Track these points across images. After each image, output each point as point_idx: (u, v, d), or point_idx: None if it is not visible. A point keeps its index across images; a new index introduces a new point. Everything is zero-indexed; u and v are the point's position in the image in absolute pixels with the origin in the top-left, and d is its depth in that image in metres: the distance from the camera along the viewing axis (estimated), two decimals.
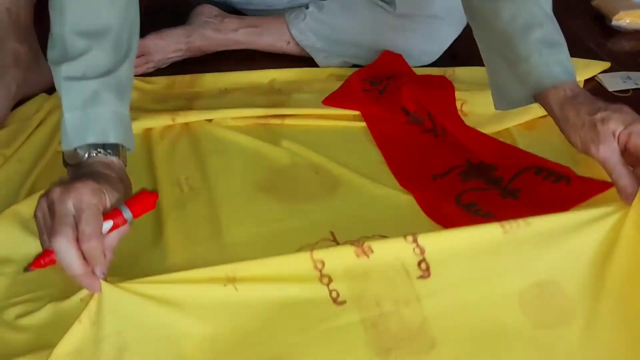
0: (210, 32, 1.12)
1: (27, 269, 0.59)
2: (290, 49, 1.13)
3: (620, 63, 1.12)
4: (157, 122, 0.93)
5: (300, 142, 0.90)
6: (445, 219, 0.75)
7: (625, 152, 0.66)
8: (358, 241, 0.61)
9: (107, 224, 0.59)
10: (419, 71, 1.06)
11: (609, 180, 0.67)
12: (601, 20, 1.25)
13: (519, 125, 0.93)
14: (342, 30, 1.08)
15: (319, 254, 0.60)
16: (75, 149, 0.65)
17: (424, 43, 1.08)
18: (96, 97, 0.65)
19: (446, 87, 0.99)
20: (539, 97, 0.75)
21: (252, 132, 0.92)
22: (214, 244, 0.73)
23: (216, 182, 0.83)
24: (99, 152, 0.65)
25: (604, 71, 1.07)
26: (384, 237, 0.67)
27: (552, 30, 0.76)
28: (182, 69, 1.12)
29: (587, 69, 1.06)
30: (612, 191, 0.67)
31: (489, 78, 0.83)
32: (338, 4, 1.09)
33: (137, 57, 0.92)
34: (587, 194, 0.72)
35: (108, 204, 0.59)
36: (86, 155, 0.65)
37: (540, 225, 0.62)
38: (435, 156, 0.87)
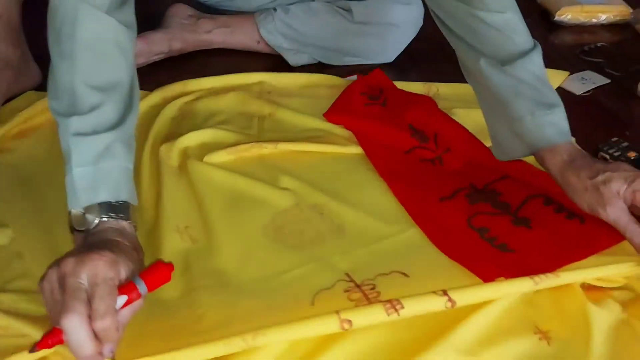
0: (188, 34, 1.18)
1: (33, 349, 0.54)
2: (261, 47, 1.20)
3: (562, 55, 1.24)
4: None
5: (299, 177, 0.88)
6: (459, 250, 0.75)
7: (633, 208, 0.69)
8: (389, 300, 0.63)
9: (121, 299, 0.54)
10: (402, 86, 1.10)
11: None
12: (546, 16, 1.36)
13: None
14: (306, 33, 1.16)
15: (346, 314, 0.62)
16: (84, 214, 0.60)
17: (379, 46, 1.17)
18: (108, 151, 0.62)
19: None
20: (536, 157, 0.78)
21: (248, 169, 0.90)
22: (222, 299, 0.70)
23: (218, 232, 0.80)
24: (111, 216, 0.60)
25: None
26: (403, 274, 0.71)
27: (545, 92, 0.78)
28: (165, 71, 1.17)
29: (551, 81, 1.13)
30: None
31: (488, 128, 0.85)
32: (302, 8, 1.16)
33: None
34: (603, 241, 0.72)
35: (123, 277, 0.55)
36: (96, 220, 0.60)
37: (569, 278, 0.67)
38: (439, 180, 0.87)
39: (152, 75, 1.11)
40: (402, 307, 0.64)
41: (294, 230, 0.81)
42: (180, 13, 1.20)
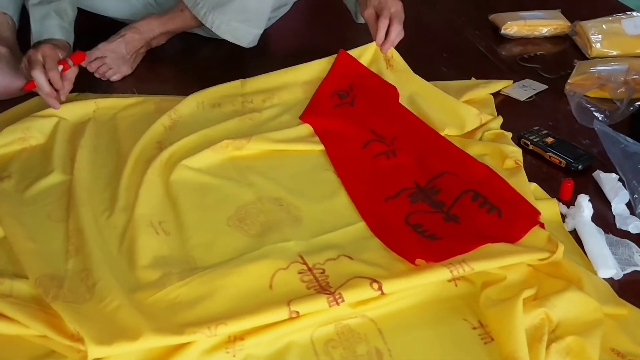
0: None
1: (23, 88, 1.16)
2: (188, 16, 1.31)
3: (507, 64, 1.40)
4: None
5: (264, 175, 1.00)
6: (394, 240, 0.87)
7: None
8: (331, 292, 0.75)
9: (60, 67, 1.12)
10: None
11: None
12: (495, 31, 1.52)
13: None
14: None
15: (295, 306, 0.74)
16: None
17: None
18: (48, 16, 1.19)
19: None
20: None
21: (220, 169, 1.02)
22: (191, 282, 0.81)
23: (189, 225, 0.92)
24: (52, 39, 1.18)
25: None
26: (348, 257, 0.84)
27: None
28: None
29: (494, 86, 1.27)
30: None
31: None
32: None
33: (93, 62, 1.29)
34: (515, 234, 0.86)
35: (61, 56, 1.14)
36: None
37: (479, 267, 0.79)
38: (386, 179, 1.00)
39: None
40: (343, 300, 0.75)
41: (255, 221, 0.92)
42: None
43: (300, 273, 0.83)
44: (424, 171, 1.00)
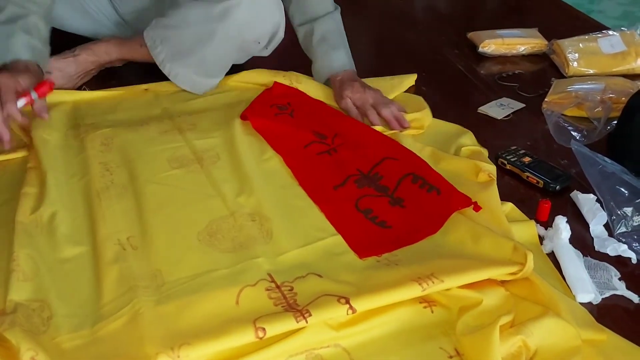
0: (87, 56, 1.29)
1: None
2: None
3: (484, 82, 1.39)
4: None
5: (237, 189, 0.99)
6: (348, 229, 0.91)
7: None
8: (299, 310, 0.73)
9: (21, 101, 0.98)
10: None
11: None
12: (473, 49, 1.52)
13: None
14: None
15: (261, 323, 0.72)
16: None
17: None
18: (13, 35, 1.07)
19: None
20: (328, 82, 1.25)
21: (189, 181, 1.02)
22: (156, 297, 0.80)
23: (157, 239, 0.90)
24: (19, 61, 1.05)
25: (484, 103, 1.28)
26: (318, 275, 0.82)
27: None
28: None
29: (402, 84, 1.31)
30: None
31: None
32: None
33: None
34: (452, 207, 0.92)
35: (24, 85, 0.99)
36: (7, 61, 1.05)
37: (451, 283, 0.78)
38: (332, 171, 1.05)
39: None
40: (310, 315, 0.74)
41: (226, 236, 0.91)
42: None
43: (268, 290, 0.81)
44: (365, 161, 1.05)
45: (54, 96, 1.15)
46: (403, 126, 1.16)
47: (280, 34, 1.27)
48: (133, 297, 0.80)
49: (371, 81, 1.27)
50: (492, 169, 1.02)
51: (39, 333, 0.75)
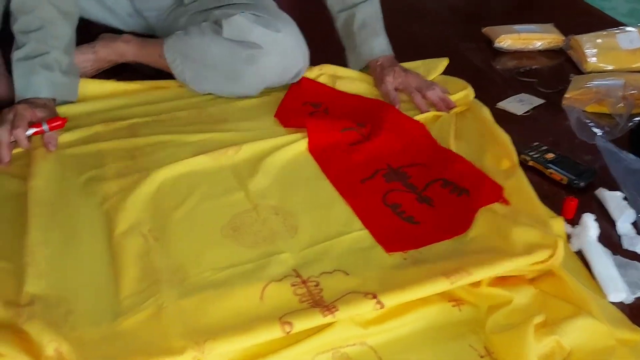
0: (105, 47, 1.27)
1: None
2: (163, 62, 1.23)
3: (501, 77, 1.37)
4: None
5: (260, 183, 0.97)
6: (375, 223, 0.89)
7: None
8: (326, 306, 0.71)
9: (31, 130, 1.03)
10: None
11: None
12: (489, 44, 1.49)
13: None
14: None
15: (288, 317, 0.70)
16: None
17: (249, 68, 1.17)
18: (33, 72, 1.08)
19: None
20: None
21: (215, 178, 0.98)
22: (180, 291, 0.77)
23: (180, 232, 0.87)
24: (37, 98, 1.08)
25: (503, 98, 1.25)
26: (344, 272, 0.80)
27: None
28: None
29: (437, 67, 1.31)
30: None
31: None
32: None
33: None
34: (481, 203, 0.90)
35: (39, 116, 1.04)
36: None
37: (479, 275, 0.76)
38: (361, 163, 1.02)
39: None
40: (337, 310, 0.72)
41: (250, 231, 0.89)
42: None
43: (293, 286, 0.79)
44: (395, 159, 1.04)
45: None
46: (450, 107, 1.17)
47: (303, 73, 1.24)
48: (155, 291, 0.78)
49: (405, 65, 1.26)
50: (512, 152, 1.00)
51: (58, 326, 0.73)
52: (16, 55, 1.09)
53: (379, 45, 1.25)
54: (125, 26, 1.35)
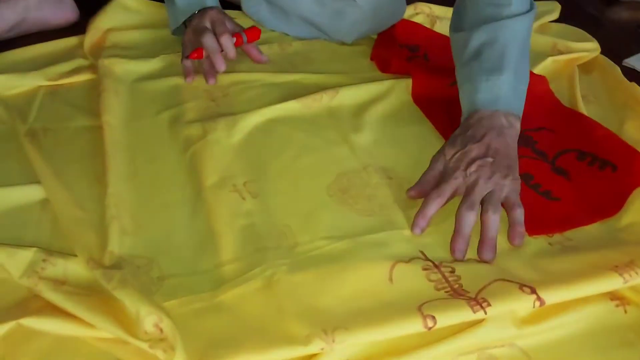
0: None
1: (185, 58, 0.91)
2: None
3: (623, 30, 1.20)
4: None
5: (366, 138, 0.84)
6: None
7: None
8: (473, 298, 0.60)
9: (232, 40, 0.92)
10: None
11: None
12: None
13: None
14: None
15: (429, 310, 0.59)
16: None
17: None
18: None
19: None
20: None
21: (313, 128, 0.85)
22: (291, 261, 0.66)
23: (281, 189, 0.75)
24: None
25: (628, 55, 1.08)
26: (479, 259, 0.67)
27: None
28: None
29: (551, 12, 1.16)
30: None
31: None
32: None
33: None
34: (634, 184, 0.76)
35: (230, 28, 0.94)
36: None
37: None
38: None
39: None
40: (489, 305, 0.59)
41: (361, 195, 0.75)
42: None
43: (425, 270, 0.66)
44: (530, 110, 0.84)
45: None
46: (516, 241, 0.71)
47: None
48: (261, 260, 0.66)
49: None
50: None
51: (150, 294, 0.62)
52: None
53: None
54: None
